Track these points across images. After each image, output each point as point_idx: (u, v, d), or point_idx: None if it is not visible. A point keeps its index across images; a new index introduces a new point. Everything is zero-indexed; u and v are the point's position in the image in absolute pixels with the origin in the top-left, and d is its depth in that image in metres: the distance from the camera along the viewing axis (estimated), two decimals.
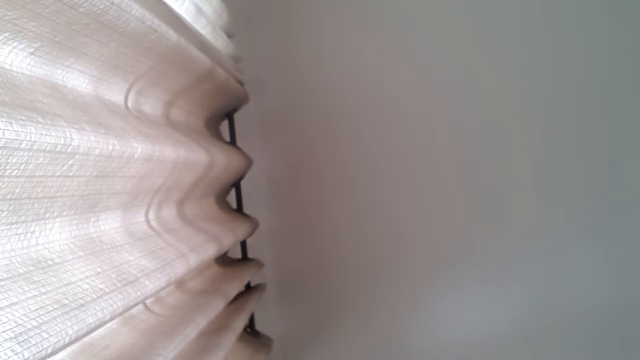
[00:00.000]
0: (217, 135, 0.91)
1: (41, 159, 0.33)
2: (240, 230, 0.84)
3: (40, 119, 0.32)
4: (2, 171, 0.31)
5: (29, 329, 0.30)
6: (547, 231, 0.88)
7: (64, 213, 0.39)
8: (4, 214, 0.33)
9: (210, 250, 0.64)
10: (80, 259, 0.40)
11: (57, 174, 0.36)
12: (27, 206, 0.35)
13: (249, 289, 0.97)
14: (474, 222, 0.91)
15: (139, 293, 0.43)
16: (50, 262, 0.36)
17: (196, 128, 0.76)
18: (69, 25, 0.38)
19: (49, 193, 0.36)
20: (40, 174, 0.34)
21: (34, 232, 0.36)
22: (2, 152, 0.29)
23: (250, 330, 1.01)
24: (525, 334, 0.90)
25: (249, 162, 0.94)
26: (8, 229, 0.34)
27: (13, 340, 0.28)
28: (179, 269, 0.52)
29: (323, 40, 0.97)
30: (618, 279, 0.85)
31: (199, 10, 0.69)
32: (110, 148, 0.40)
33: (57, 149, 0.34)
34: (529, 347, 0.90)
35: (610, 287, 0.86)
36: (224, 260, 0.90)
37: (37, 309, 0.31)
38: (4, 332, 0.28)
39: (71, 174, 0.37)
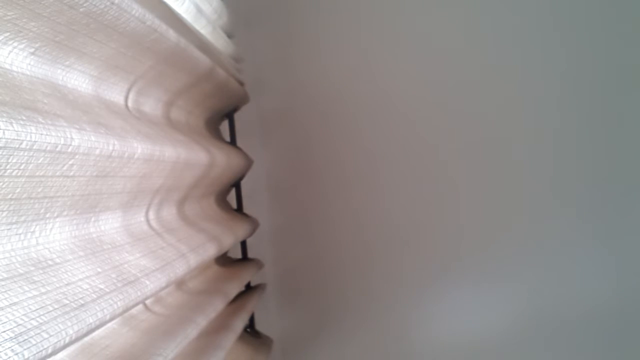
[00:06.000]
0: (217, 135, 0.91)
1: (41, 159, 0.33)
2: (240, 230, 0.84)
3: (40, 119, 0.32)
4: (3, 171, 0.31)
5: (29, 329, 0.30)
6: (548, 230, 0.88)
7: (64, 213, 0.39)
8: (4, 214, 0.33)
9: (211, 250, 0.64)
10: (80, 259, 0.40)
11: (58, 174, 0.36)
12: (28, 206, 0.35)
13: (249, 289, 0.97)
14: (474, 222, 0.91)
15: (139, 293, 0.43)
16: (50, 262, 0.36)
17: (196, 128, 0.76)
18: (69, 25, 0.38)
19: (49, 193, 0.36)
20: (41, 174, 0.34)
21: (34, 232, 0.36)
22: (3, 152, 0.30)
23: (250, 330, 1.01)
24: (526, 334, 0.90)
25: (249, 162, 0.94)
26: (8, 229, 0.34)
27: (13, 340, 0.28)
28: (179, 269, 0.52)
29: (323, 40, 0.97)
30: (621, 279, 0.85)
31: (199, 10, 0.69)
32: (111, 148, 0.40)
33: (58, 149, 0.34)
34: (530, 348, 0.90)
35: (613, 287, 0.86)
36: (224, 260, 0.90)
37: (37, 309, 0.31)
38: (4, 332, 0.28)
39: (71, 174, 0.37)
